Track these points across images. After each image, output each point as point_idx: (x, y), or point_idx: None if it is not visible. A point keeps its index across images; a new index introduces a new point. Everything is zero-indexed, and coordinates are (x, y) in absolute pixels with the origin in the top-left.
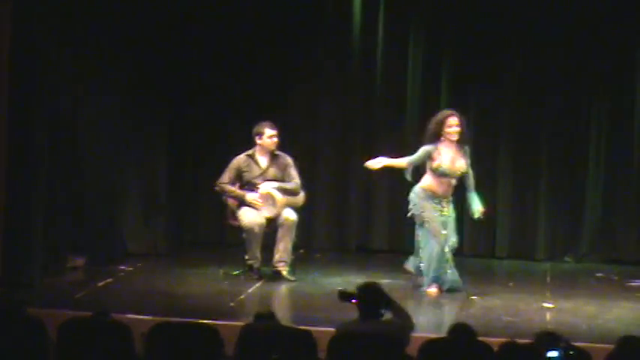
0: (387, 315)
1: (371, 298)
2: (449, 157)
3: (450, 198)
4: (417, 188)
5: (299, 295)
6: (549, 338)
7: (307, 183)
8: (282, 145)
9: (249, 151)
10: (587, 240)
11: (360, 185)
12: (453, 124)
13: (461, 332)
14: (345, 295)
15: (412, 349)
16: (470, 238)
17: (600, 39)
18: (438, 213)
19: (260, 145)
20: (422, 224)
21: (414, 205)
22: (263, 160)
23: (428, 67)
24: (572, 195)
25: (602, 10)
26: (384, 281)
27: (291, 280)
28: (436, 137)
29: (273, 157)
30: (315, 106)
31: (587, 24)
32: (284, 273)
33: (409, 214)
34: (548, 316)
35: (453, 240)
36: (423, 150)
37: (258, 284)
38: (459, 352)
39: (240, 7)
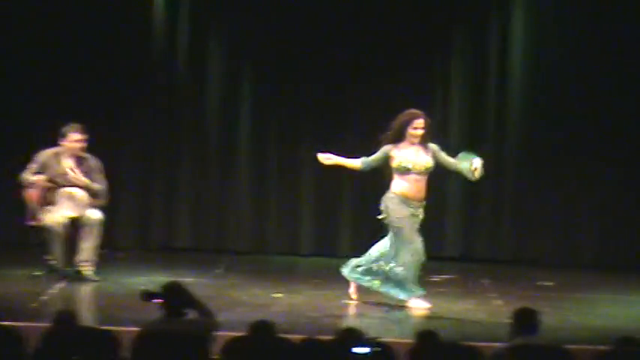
0: (193, 314)
1: (175, 297)
2: (410, 153)
3: (423, 204)
4: (390, 194)
5: (103, 295)
6: (352, 334)
7: (110, 181)
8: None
9: (56, 149)
10: None
11: (163, 184)
12: (418, 127)
13: (262, 330)
14: (148, 295)
15: (216, 348)
16: (273, 235)
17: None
18: (414, 219)
19: (64, 146)
20: (396, 232)
21: (387, 211)
22: (68, 161)
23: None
24: (374, 192)
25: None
26: (188, 280)
27: (95, 280)
28: (398, 136)
29: (79, 159)
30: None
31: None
32: (88, 273)
33: (382, 219)
34: (351, 312)
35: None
36: (381, 150)
37: (61, 284)
38: (261, 349)
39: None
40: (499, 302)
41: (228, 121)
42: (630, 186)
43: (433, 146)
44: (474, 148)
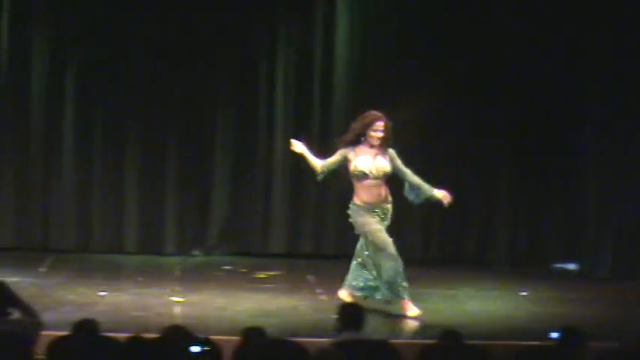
0: (16, 314)
1: None
2: (367, 157)
3: (389, 206)
4: (352, 205)
5: None
6: (177, 332)
7: None
8: None
9: None
10: (216, 233)
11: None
12: (379, 129)
13: (85, 329)
14: None
15: (41, 348)
16: (97, 234)
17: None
18: (381, 224)
19: None
20: (369, 240)
21: (355, 224)
22: None
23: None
24: (199, 189)
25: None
26: (13, 279)
27: None
28: (357, 139)
29: None
30: None
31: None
32: None
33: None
34: (177, 309)
35: None
36: (338, 153)
37: None
38: (85, 348)
39: None
40: (324, 298)
41: (51, 120)
42: (455, 180)
43: (391, 152)
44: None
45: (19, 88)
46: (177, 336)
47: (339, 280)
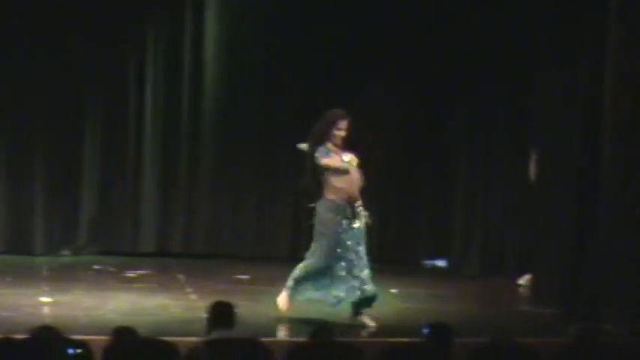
0: None
1: None
2: (337, 152)
3: (359, 204)
4: (326, 201)
5: None
6: (47, 332)
7: None
8: None
9: None
10: (85, 233)
11: None
12: (343, 128)
13: None
14: None
15: None
16: None
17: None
18: (342, 230)
19: None
20: (321, 237)
21: (320, 218)
22: None
23: None
24: (68, 189)
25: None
26: None
27: None
28: (321, 139)
29: None
30: None
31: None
32: None
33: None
34: (46, 310)
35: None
36: (323, 150)
37: None
38: None
39: None
40: (194, 297)
41: None
42: None
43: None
44: (168, 144)
45: None
46: (46, 336)
47: (208, 279)
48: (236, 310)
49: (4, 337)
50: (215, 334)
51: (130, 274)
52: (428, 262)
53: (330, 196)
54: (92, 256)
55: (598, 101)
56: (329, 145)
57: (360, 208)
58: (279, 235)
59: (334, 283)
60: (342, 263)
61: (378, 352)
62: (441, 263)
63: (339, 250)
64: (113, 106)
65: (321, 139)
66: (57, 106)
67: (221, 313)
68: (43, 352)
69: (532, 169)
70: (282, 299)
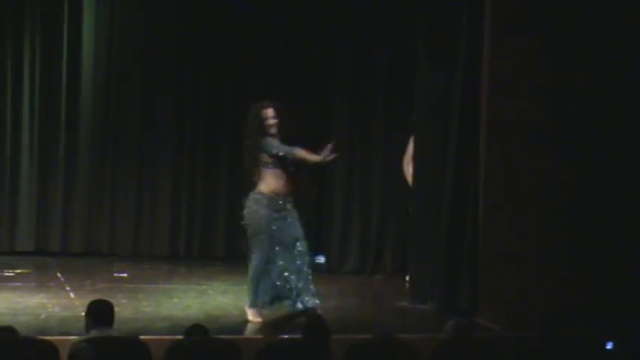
0: None
1: None
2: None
3: (290, 199)
4: (257, 195)
5: None
6: None
7: None
8: None
9: None
10: None
11: None
12: (269, 116)
13: None
14: None
15: None
16: None
17: None
18: (276, 226)
19: None
20: (257, 235)
21: (252, 213)
22: None
23: None
24: None
25: None
26: None
27: None
28: (260, 131)
29: None
30: None
31: None
32: None
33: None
34: None
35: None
36: (275, 141)
37: None
38: None
39: None
40: (73, 295)
41: None
42: (204, 176)
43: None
44: (46, 141)
45: None
46: None
47: (87, 277)
48: (115, 308)
49: None
50: (94, 333)
51: (8, 273)
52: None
53: (262, 188)
54: None
55: (474, 101)
56: (268, 138)
57: (290, 201)
58: (158, 232)
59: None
60: (279, 260)
61: (256, 350)
62: (319, 260)
63: (277, 248)
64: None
65: (258, 134)
66: None
67: (100, 311)
68: None
69: (409, 168)
70: (251, 315)
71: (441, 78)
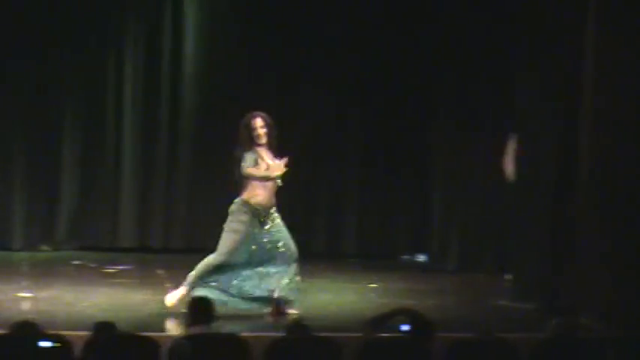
0: None
1: None
2: (266, 158)
3: (274, 209)
4: (240, 200)
5: None
6: (27, 328)
7: None
8: None
9: None
10: (64, 228)
11: None
12: (258, 126)
13: None
14: None
15: None
16: None
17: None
18: (258, 229)
19: None
20: (233, 233)
21: (235, 216)
22: None
23: None
24: (47, 184)
25: None
26: None
27: None
28: (250, 141)
29: None
30: None
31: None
32: None
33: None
34: (25, 305)
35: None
36: (250, 158)
37: None
38: None
39: None
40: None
41: None
42: (303, 174)
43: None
44: (147, 140)
45: None
46: (26, 332)
47: (187, 274)
48: (215, 305)
49: None
50: (195, 329)
51: (110, 269)
52: (407, 257)
53: (247, 197)
54: (71, 252)
55: (577, 97)
56: (257, 149)
57: (273, 211)
58: None
59: (237, 281)
60: (251, 264)
61: (357, 348)
62: (420, 258)
63: (253, 247)
64: (93, 102)
65: (248, 144)
66: (37, 103)
67: (200, 309)
68: (22, 347)
69: (509, 168)
70: (175, 295)
71: (541, 79)
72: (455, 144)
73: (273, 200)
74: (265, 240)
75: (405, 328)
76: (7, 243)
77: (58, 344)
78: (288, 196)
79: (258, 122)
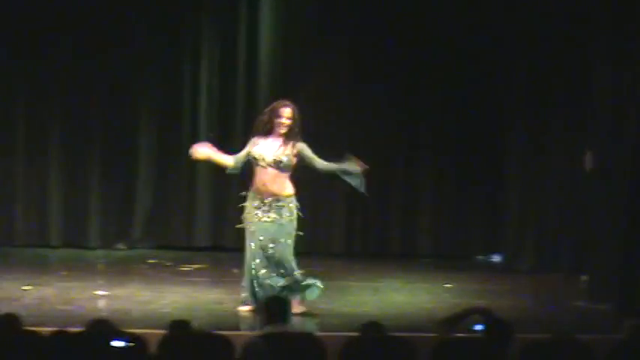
0: None
1: None
2: (269, 144)
3: (282, 203)
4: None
5: None
6: (101, 326)
7: None
8: None
9: None
10: (140, 227)
11: None
12: (284, 115)
13: (6, 323)
14: None
15: None
16: (22, 227)
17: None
18: (258, 218)
19: None
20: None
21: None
22: None
23: None
24: (123, 183)
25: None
26: None
27: None
28: (267, 127)
29: None
30: None
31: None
32: None
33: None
34: (101, 303)
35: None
36: (249, 143)
37: None
38: (7, 343)
39: None
40: None
41: None
42: (378, 174)
43: (300, 145)
44: (223, 139)
45: None
46: (101, 330)
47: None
48: (290, 304)
49: (59, 330)
50: (270, 328)
51: (185, 268)
52: (481, 258)
53: (250, 186)
54: (147, 250)
55: None
56: (270, 137)
57: (274, 203)
58: (333, 229)
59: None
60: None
61: (431, 348)
62: (495, 258)
63: (260, 238)
64: (168, 101)
65: (262, 128)
66: (112, 101)
67: (276, 308)
68: (98, 345)
69: (587, 162)
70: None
71: (620, 77)
72: (530, 143)
73: (270, 189)
74: (261, 238)
75: (478, 327)
76: (84, 241)
77: (131, 343)
78: (364, 197)
79: (287, 112)
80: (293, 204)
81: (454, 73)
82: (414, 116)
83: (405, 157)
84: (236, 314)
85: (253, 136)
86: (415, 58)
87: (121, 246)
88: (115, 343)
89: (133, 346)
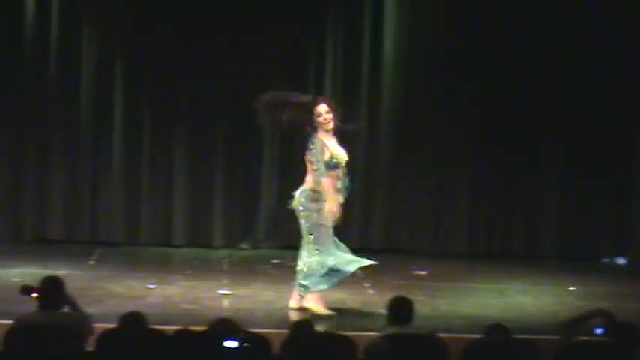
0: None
1: (53, 290)
2: (333, 145)
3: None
4: (307, 191)
5: None
6: (224, 325)
7: None
8: None
9: None
10: (263, 227)
11: (34, 175)
12: (323, 111)
13: (132, 321)
14: (26, 289)
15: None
16: (146, 226)
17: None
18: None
19: None
20: (318, 230)
21: (307, 210)
22: None
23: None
24: (247, 183)
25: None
26: (60, 272)
27: None
28: (315, 128)
29: None
30: None
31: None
32: None
33: (304, 224)
34: (225, 303)
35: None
36: (319, 143)
37: None
38: (133, 341)
39: None
40: (373, 292)
41: (100, 115)
42: (502, 175)
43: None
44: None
45: (68, 83)
46: (224, 329)
47: (386, 274)
48: (414, 305)
49: (183, 328)
50: (393, 329)
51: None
52: (607, 261)
53: (311, 187)
54: (271, 250)
55: None
56: (322, 136)
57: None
58: (457, 230)
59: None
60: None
61: (555, 351)
62: (620, 261)
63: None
64: None
65: (314, 128)
66: (237, 102)
67: (400, 309)
68: (221, 344)
69: None
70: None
71: None
72: None
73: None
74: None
75: (598, 330)
76: (209, 241)
77: (254, 342)
78: (487, 197)
79: (323, 108)
80: None
81: (583, 66)
82: (542, 114)
83: (529, 157)
84: (358, 314)
85: (314, 138)
86: (543, 57)
87: (244, 246)
88: (228, 344)
89: (254, 346)
